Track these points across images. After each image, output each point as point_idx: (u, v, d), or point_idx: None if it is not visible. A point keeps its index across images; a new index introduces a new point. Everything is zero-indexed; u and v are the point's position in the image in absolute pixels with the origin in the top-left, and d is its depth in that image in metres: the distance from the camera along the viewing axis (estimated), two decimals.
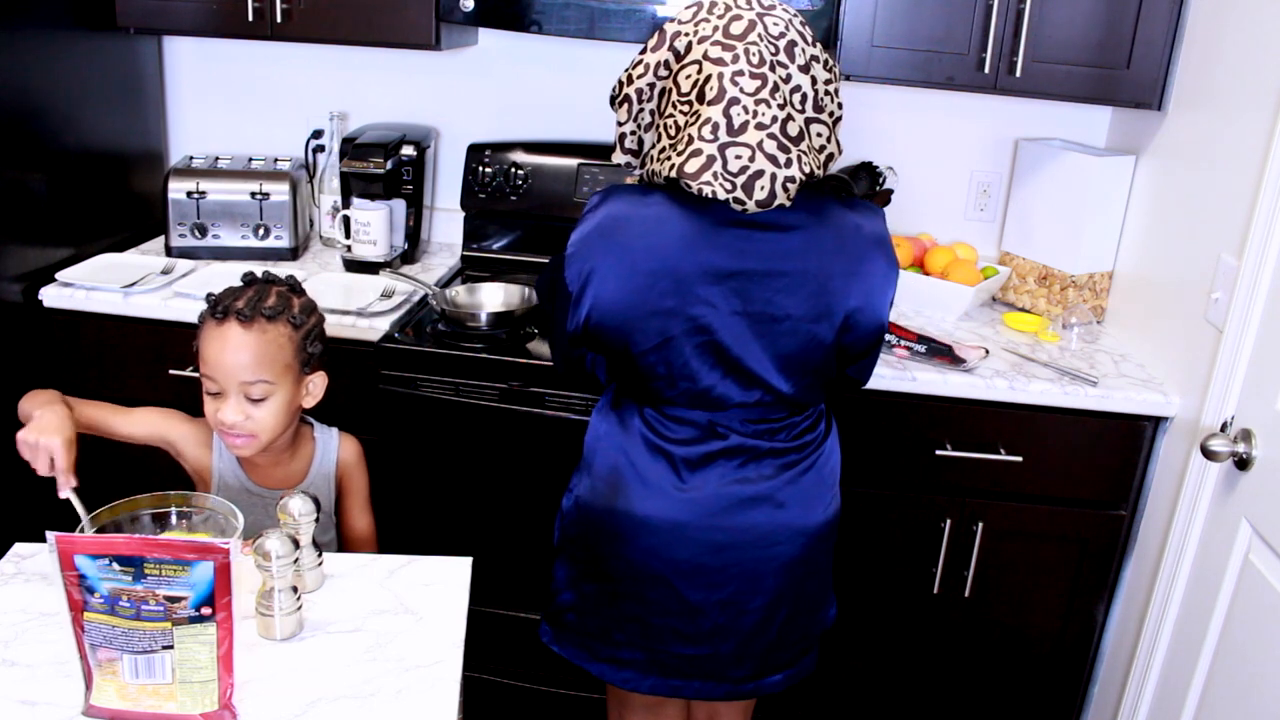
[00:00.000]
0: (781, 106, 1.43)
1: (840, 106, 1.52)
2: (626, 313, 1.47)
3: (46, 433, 1.42)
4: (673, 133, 1.46)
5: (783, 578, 1.61)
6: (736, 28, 1.44)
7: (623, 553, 1.59)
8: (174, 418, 1.64)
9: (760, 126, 1.41)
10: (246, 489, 1.63)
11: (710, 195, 1.42)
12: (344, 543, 1.75)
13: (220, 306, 1.54)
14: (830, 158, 1.51)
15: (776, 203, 1.43)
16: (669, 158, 1.45)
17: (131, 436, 1.62)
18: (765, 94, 1.42)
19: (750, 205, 1.42)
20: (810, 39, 1.48)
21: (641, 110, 1.52)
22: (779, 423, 1.58)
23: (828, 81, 1.49)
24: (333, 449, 1.71)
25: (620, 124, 1.55)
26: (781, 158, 1.42)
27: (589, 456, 1.63)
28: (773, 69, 1.43)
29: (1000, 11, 2.12)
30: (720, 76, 1.41)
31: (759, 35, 1.43)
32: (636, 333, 1.48)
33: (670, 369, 1.50)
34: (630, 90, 1.52)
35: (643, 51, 1.50)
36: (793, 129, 1.44)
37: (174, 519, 1.37)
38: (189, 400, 1.73)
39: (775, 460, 1.58)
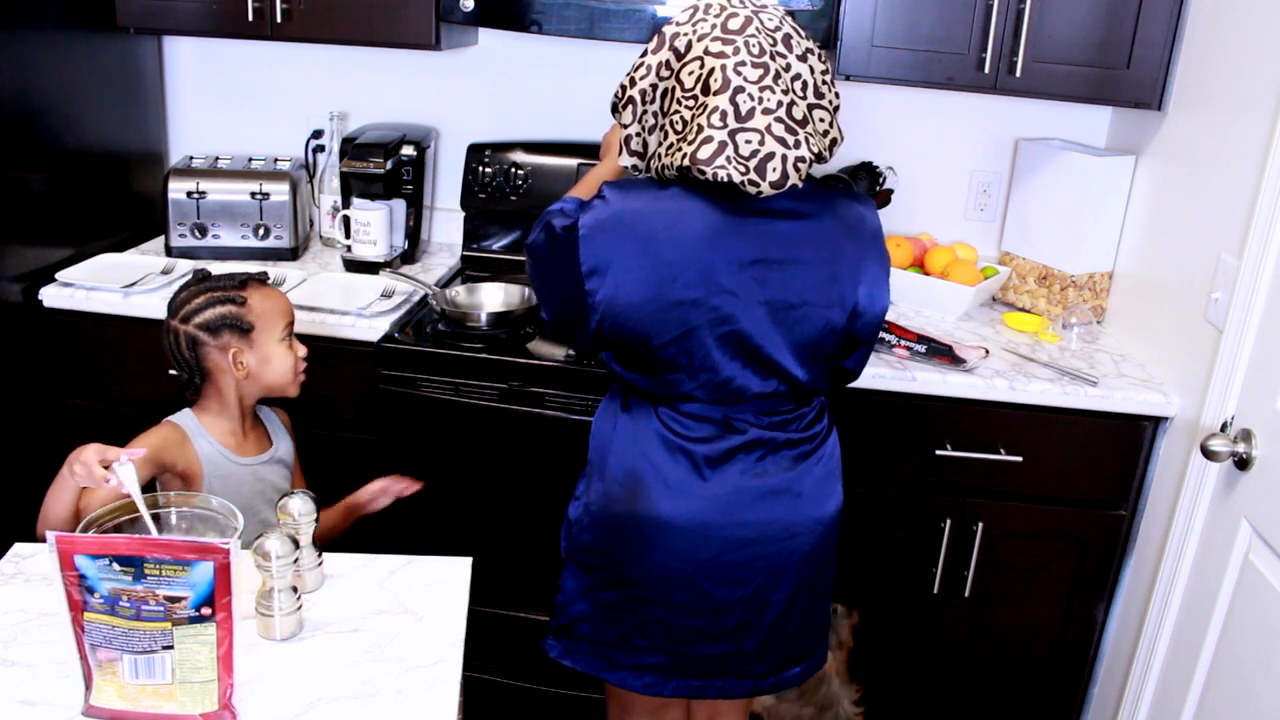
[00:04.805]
0: (785, 92, 1.46)
1: (838, 96, 1.55)
2: (648, 306, 1.47)
3: (83, 451, 1.38)
4: (679, 127, 1.48)
5: (803, 569, 1.62)
6: (734, 24, 1.47)
7: (646, 556, 1.58)
8: (144, 438, 1.59)
9: (767, 111, 1.44)
10: (233, 461, 1.68)
11: (725, 179, 1.43)
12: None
13: (241, 277, 1.68)
14: (834, 142, 1.55)
15: (789, 183, 1.45)
16: (679, 149, 1.47)
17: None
18: (768, 81, 1.45)
19: (764, 187, 1.44)
20: (804, 34, 1.52)
21: (645, 112, 1.54)
22: (791, 414, 1.59)
23: (824, 73, 1.53)
24: (273, 417, 1.82)
25: (625, 126, 1.57)
26: (790, 139, 1.45)
27: (599, 460, 1.62)
28: (773, 58, 1.46)
29: (1000, 11, 2.12)
30: (723, 68, 1.44)
31: (756, 29, 1.47)
32: (658, 325, 1.48)
33: (691, 360, 1.50)
34: (634, 92, 1.54)
35: (643, 54, 1.54)
36: (797, 113, 1.47)
37: (174, 519, 1.37)
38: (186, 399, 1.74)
39: (791, 451, 1.59)
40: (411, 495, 2.17)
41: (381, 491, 1.83)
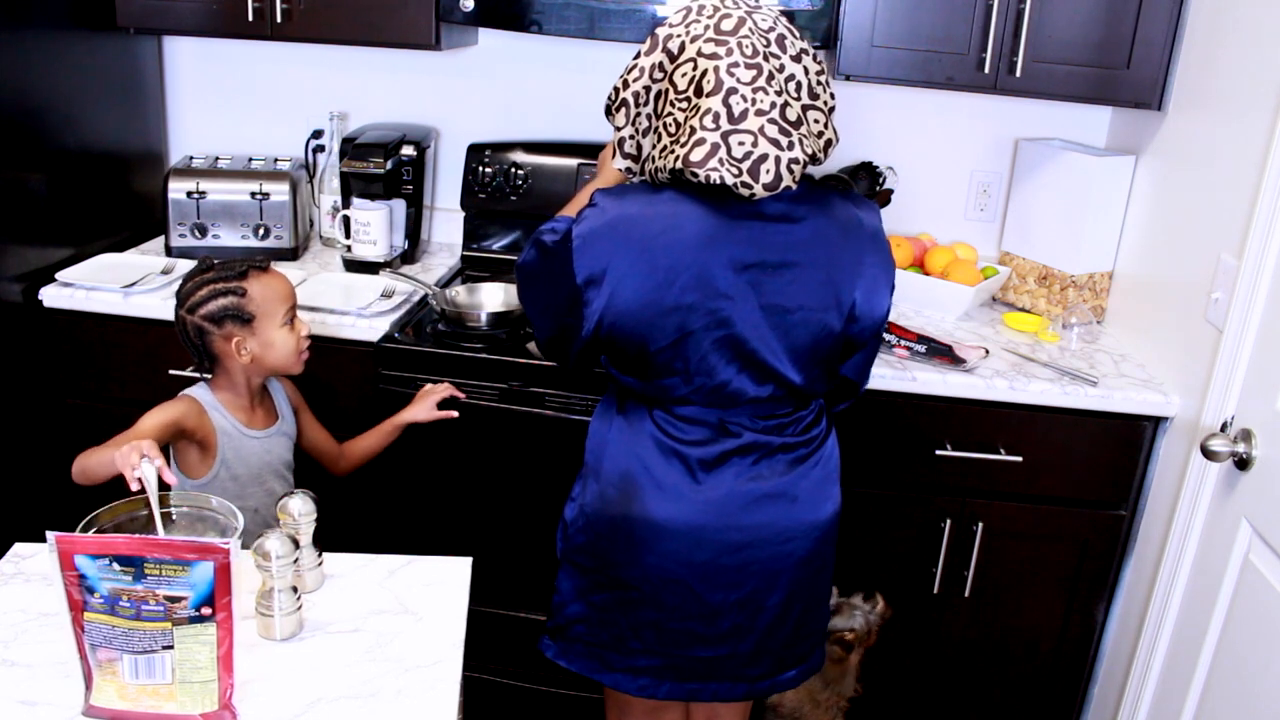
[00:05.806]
0: (779, 93, 1.45)
1: (833, 97, 1.54)
2: (645, 311, 1.46)
3: (140, 444, 1.39)
4: (673, 130, 1.47)
5: (798, 573, 1.61)
6: (727, 24, 1.46)
7: (639, 559, 1.58)
8: (168, 408, 1.68)
9: (760, 113, 1.43)
10: (244, 434, 1.76)
11: (718, 181, 1.42)
12: (316, 456, 1.94)
13: (241, 267, 1.71)
14: (829, 143, 1.53)
15: (783, 185, 1.44)
16: (672, 151, 1.46)
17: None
18: (762, 82, 1.44)
19: (758, 189, 1.43)
20: (797, 35, 1.51)
21: (639, 114, 1.53)
22: (787, 418, 1.58)
23: (819, 73, 1.52)
24: (279, 388, 1.88)
25: (619, 129, 1.56)
26: (783, 140, 1.44)
27: (594, 462, 1.61)
28: (766, 59, 1.45)
29: (1000, 11, 2.12)
30: (716, 69, 1.43)
31: (750, 29, 1.46)
32: (654, 330, 1.47)
33: (687, 364, 1.50)
34: (627, 94, 1.53)
35: (636, 56, 1.52)
36: (791, 114, 1.46)
37: (174, 518, 1.37)
38: None
39: (786, 455, 1.58)
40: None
41: (426, 394, 2.01)
